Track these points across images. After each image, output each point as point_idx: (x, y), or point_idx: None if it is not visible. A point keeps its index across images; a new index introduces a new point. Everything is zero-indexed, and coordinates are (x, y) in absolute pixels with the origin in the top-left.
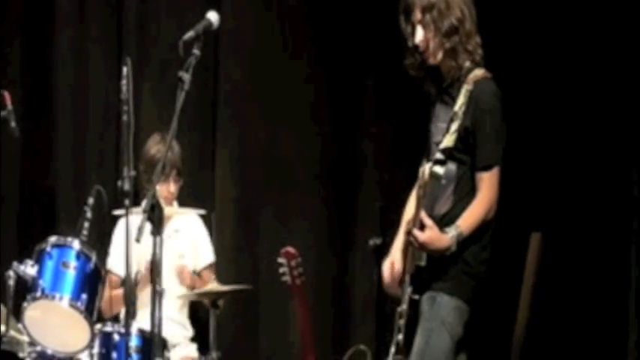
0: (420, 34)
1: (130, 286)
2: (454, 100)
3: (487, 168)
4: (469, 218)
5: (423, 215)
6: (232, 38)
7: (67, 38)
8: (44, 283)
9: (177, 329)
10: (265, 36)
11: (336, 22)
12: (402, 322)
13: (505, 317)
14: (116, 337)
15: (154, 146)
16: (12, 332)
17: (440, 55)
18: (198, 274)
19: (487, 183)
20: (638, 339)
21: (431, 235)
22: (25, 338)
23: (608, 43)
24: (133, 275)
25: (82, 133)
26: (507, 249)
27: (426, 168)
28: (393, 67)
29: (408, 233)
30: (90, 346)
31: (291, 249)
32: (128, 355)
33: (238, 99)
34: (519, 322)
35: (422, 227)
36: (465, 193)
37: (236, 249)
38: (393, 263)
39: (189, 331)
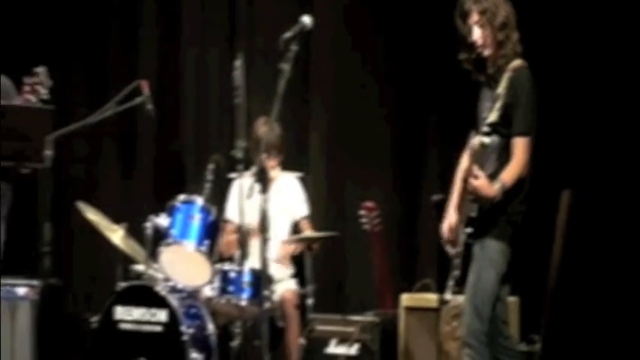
0: (477, 33)
1: (243, 234)
2: (497, 84)
3: (521, 134)
4: (509, 174)
5: (475, 168)
6: (322, 38)
7: (191, 39)
8: (175, 231)
9: (283, 268)
10: (347, 41)
11: (404, 37)
12: (457, 261)
13: (542, 258)
14: (232, 274)
15: (261, 127)
16: (151, 271)
17: (492, 49)
18: (296, 223)
19: (521, 147)
20: None
21: (482, 182)
22: (160, 275)
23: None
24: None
25: (204, 113)
26: (544, 203)
27: (475, 139)
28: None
29: (465, 181)
30: (211, 281)
31: (370, 203)
32: (242, 288)
33: (327, 90)
34: (553, 262)
35: (475, 176)
36: (506, 158)
37: (326, 204)
38: (450, 222)
39: (290, 269)
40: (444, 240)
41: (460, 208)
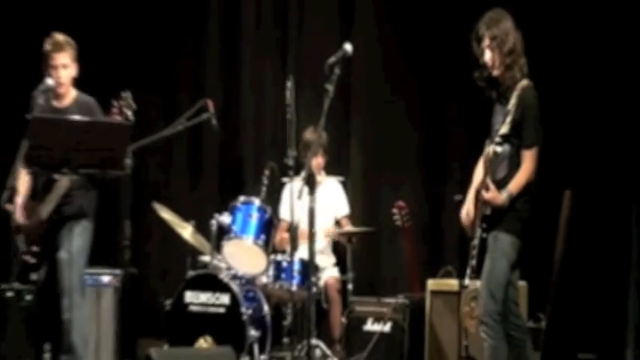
0: (488, 55)
1: (293, 229)
2: (508, 101)
3: (529, 147)
4: (516, 183)
5: (488, 181)
6: (360, 62)
7: (249, 62)
8: (236, 227)
9: (325, 258)
10: (379, 64)
11: (427, 60)
12: (474, 252)
13: (547, 249)
14: (284, 264)
15: (309, 135)
16: (215, 261)
17: (501, 69)
18: (338, 221)
19: (529, 158)
20: None
21: (492, 195)
22: (223, 265)
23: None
24: (295, 221)
25: (260, 127)
26: (550, 201)
27: (489, 147)
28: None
29: (478, 192)
30: (266, 270)
31: (401, 203)
32: (292, 276)
33: (364, 107)
34: (557, 252)
35: (487, 189)
36: (515, 164)
37: (364, 203)
38: (468, 211)
39: (333, 259)
40: (464, 225)
41: (476, 205)
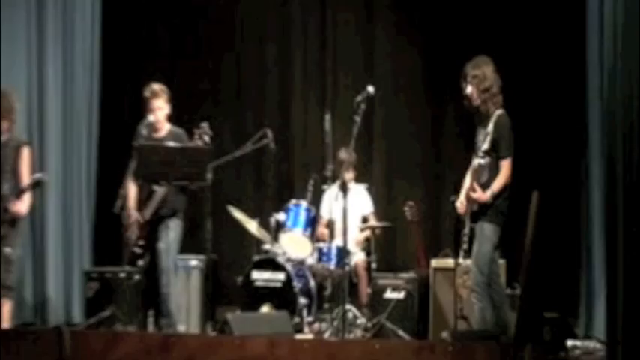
0: (469, 89)
1: (331, 224)
2: (487, 125)
3: (504, 158)
4: (496, 184)
5: (475, 185)
6: (380, 99)
7: (297, 101)
8: (289, 223)
9: (356, 245)
10: (394, 100)
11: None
12: (465, 238)
13: (520, 235)
14: (325, 249)
15: (342, 154)
16: (273, 248)
17: (478, 101)
18: (365, 217)
19: (505, 167)
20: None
21: (478, 194)
22: (280, 251)
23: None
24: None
25: (306, 149)
26: (522, 199)
27: (475, 161)
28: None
29: (468, 193)
30: (311, 254)
31: (411, 203)
32: (331, 258)
33: (384, 133)
34: (527, 237)
35: (474, 190)
36: (495, 172)
37: (384, 204)
38: (461, 204)
39: (360, 245)
40: (460, 212)
41: (467, 201)
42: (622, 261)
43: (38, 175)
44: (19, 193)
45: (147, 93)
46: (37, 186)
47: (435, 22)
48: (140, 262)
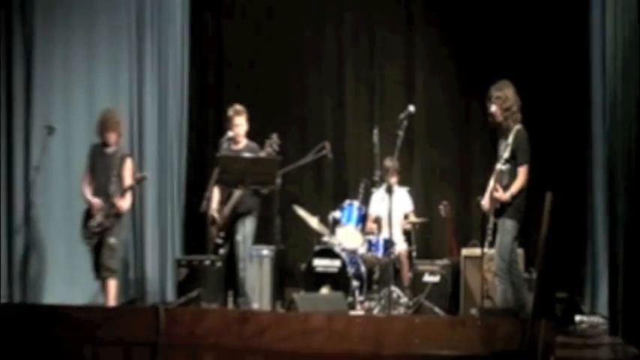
0: (493, 108)
1: (379, 220)
2: (507, 137)
3: (521, 165)
4: (515, 187)
5: (497, 186)
6: (420, 116)
7: (351, 117)
8: (344, 219)
9: (399, 237)
10: (431, 118)
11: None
12: (490, 231)
13: (536, 228)
14: (373, 240)
15: (388, 162)
16: (331, 240)
17: (501, 119)
18: (406, 215)
19: (522, 172)
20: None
21: (500, 194)
22: (336, 242)
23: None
24: (380, 215)
25: (358, 158)
26: (538, 199)
27: (497, 166)
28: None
29: (491, 194)
30: (362, 244)
31: (445, 202)
32: (378, 248)
33: (422, 144)
34: (542, 231)
35: (497, 191)
36: (513, 176)
37: (422, 204)
38: (486, 203)
39: (402, 237)
40: (485, 210)
41: (491, 202)
42: (622, 249)
43: (141, 174)
44: (123, 191)
45: (230, 112)
46: (140, 181)
47: (464, 52)
48: (221, 252)
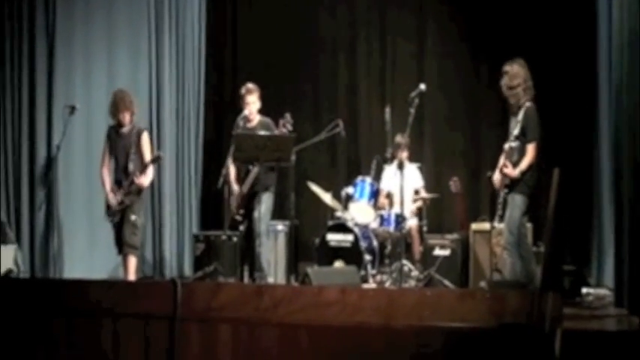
0: (502, 81)
1: (390, 196)
2: (517, 114)
3: (530, 141)
4: (523, 164)
5: (507, 162)
6: (430, 94)
7: (364, 96)
8: (356, 195)
9: (409, 212)
10: (440, 96)
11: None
12: (500, 206)
13: (545, 203)
14: (385, 215)
15: (399, 138)
16: (344, 215)
17: (508, 93)
18: (416, 190)
19: (531, 149)
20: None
21: (509, 170)
22: (349, 217)
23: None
24: (391, 191)
25: (370, 135)
26: (546, 175)
27: (507, 144)
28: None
29: (502, 169)
30: (375, 219)
31: (455, 178)
32: (390, 223)
33: (433, 122)
34: (550, 206)
35: (507, 167)
36: (523, 153)
37: (433, 179)
38: (496, 179)
39: (415, 212)
40: (495, 185)
41: (501, 179)
42: (628, 224)
43: (157, 153)
44: (143, 168)
45: (242, 91)
46: (156, 161)
47: (475, 31)
48: (240, 228)
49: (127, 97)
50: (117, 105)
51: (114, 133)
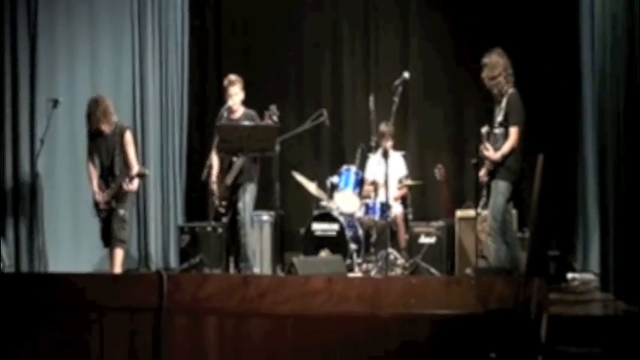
0: (484, 73)
1: (375, 184)
2: (501, 101)
3: (513, 125)
4: (505, 148)
5: (488, 146)
6: (414, 82)
7: (348, 85)
8: (341, 184)
9: (394, 200)
10: (423, 84)
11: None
12: (484, 192)
13: (529, 189)
14: (370, 204)
15: (383, 127)
16: (329, 204)
17: (489, 84)
18: (401, 179)
19: (513, 133)
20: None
21: (490, 153)
22: (334, 206)
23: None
24: (376, 180)
25: (355, 124)
26: (530, 162)
27: (484, 128)
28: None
29: (482, 151)
30: (360, 208)
31: (440, 165)
32: (375, 211)
33: (416, 109)
34: (534, 192)
35: (488, 151)
36: (505, 138)
37: (417, 167)
38: (481, 169)
39: (399, 200)
40: (480, 176)
41: (485, 164)
42: (612, 210)
43: (143, 169)
44: (130, 178)
45: (225, 82)
46: (141, 176)
47: (458, 18)
48: (224, 219)
49: (102, 106)
50: (91, 118)
51: (96, 136)
